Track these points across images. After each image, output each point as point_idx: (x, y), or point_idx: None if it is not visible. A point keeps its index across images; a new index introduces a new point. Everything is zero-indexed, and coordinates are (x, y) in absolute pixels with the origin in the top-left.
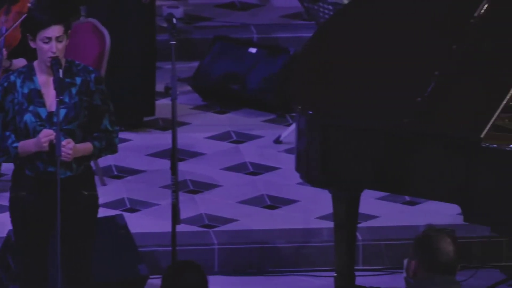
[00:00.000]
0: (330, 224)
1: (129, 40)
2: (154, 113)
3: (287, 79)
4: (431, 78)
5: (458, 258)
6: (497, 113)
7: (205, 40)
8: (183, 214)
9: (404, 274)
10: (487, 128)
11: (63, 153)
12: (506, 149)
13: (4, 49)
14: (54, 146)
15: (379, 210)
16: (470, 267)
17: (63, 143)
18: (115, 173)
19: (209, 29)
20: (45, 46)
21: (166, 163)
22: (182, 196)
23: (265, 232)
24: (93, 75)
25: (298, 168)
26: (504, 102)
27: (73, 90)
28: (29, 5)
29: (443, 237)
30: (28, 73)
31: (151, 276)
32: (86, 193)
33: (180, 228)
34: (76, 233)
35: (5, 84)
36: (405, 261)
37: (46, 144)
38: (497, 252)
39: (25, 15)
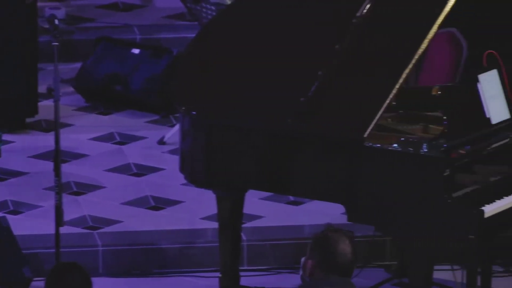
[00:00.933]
0: (214, 225)
1: (11, 41)
2: (36, 114)
3: (171, 79)
4: (314, 78)
5: (355, 259)
6: (380, 113)
7: (88, 41)
8: (67, 216)
9: (301, 272)
10: (371, 127)
11: None
12: (389, 148)
13: None
14: None
15: (264, 210)
16: (355, 266)
17: None
18: None
19: (91, 30)
20: None
21: (49, 165)
22: (66, 198)
23: (149, 233)
24: None
25: (182, 169)
26: (387, 101)
27: None
28: None
29: (342, 238)
30: None
31: (35, 279)
32: None
33: (64, 230)
34: None
35: None
36: (302, 259)
37: None
38: (381, 251)
39: None
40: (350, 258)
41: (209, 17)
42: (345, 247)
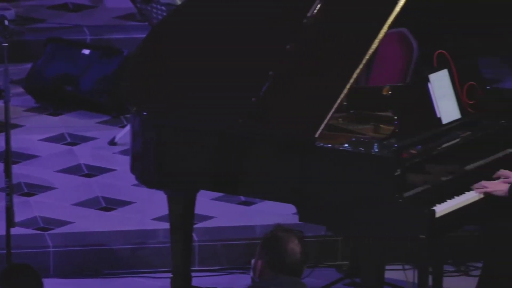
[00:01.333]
0: (166, 225)
1: None
2: None
3: (121, 80)
4: (265, 78)
5: (305, 259)
6: (331, 113)
7: (38, 42)
8: (18, 217)
9: (251, 273)
10: (322, 127)
11: None
12: (340, 148)
13: None
14: None
15: (215, 210)
16: (307, 266)
17: None
18: None
19: (42, 30)
20: None
21: None
22: (17, 199)
23: (101, 234)
24: None
25: (133, 170)
26: (338, 101)
27: None
28: None
29: (291, 238)
30: None
31: None
32: None
33: (15, 231)
34: None
35: None
36: (253, 261)
37: None
38: (333, 251)
39: None
40: (299, 257)
41: (160, 17)
42: (294, 246)
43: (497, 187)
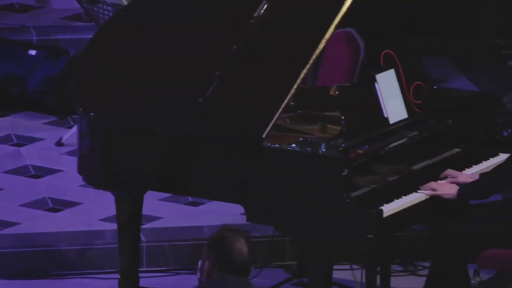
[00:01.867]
0: (113, 226)
1: None
2: None
3: (68, 81)
4: (212, 79)
5: (252, 259)
6: (278, 113)
7: None
8: None
9: (199, 274)
10: (269, 128)
11: None
12: (288, 148)
13: None
14: None
15: (162, 211)
16: (255, 266)
17: None
18: None
19: None
20: None
21: None
22: None
23: (48, 235)
24: None
25: (80, 170)
26: (286, 101)
27: None
28: None
29: (238, 238)
30: None
31: None
32: None
33: None
34: None
35: None
36: (200, 261)
37: None
38: (281, 251)
39: None
40: (246, 257)
41: (106, 17)
42: (241, 246)
43: (445, 190)
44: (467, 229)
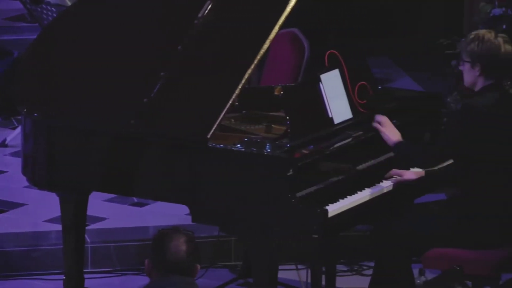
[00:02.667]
0: (58, 227)
1: None
2: None
3: (12, 81)
4: (157, 79)
5: (194, 258)
6: (223, 113)
7: None
8: None
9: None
10: (214, 128)
11: None
12: (233, 148)
13: None
14: None
15: (107, 211)
16: (201, 266)
17: None
18: None
19: None
20: None
21: None
22: None
23: None
24: None
25: (24, 171)
26: (230, 102)
27: None
28: None
29: (176, 236)
30: None
31: None
32: None
33: None
34: None
35: None
36: (146, 261)
37: None
38: (227, 251)
39: None
40: (183, 256)
41: (50, 18)
42: (179, 245)
43: (408, 176)
44: (410, 229)
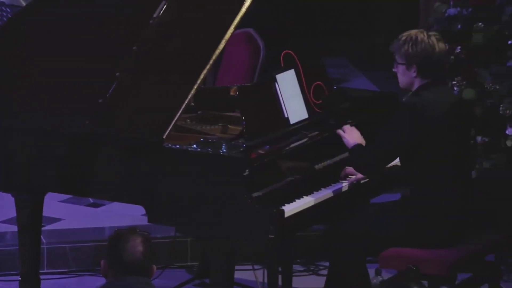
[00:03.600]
0: (14, 228)
1: None
2: None
3: None
4: (113, 79)
5: (150, 259)
6: (179, 114)
7: None
8: None
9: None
10: (169, 128)
11: None
12: (188, 149)
13: None
14: None
15: (63, 212)
16: (157, 267)
17: None
18: None
19: None
20: None
21: None
22: None
23: None
24: None
25: None
26: (186, 102)
27: None
28: None
29: (133, 237)
30: None
31: None
32: None
33: None
34: None
35: None
36: (102, 262)
37: None
38: (183, 252)
39: None
40: (139, 257)
41: (5, 19)
42: (135, 245)
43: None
44: (366, 228)
